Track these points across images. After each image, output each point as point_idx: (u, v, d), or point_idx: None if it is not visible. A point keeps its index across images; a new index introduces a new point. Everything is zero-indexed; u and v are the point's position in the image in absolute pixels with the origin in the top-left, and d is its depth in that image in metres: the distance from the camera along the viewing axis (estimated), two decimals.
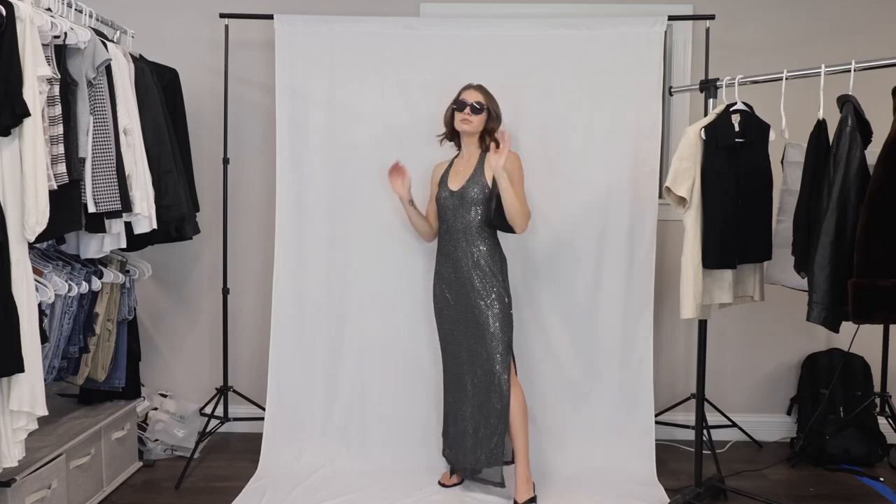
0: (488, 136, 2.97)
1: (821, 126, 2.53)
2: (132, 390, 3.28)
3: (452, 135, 3.06)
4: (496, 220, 2.90)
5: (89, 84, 2.54)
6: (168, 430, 3.47)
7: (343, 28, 3.36)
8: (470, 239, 2.93)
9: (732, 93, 2.81)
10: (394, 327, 3.38)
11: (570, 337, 3.38)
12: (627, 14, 3.50)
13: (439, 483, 3.11)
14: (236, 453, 3.54)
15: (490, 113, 2.96)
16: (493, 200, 2.90)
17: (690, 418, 3.46)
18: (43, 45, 2.29)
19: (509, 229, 2.90)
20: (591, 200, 3.34)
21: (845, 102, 2.41)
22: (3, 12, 2.12)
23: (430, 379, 3.31)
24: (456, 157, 3.09)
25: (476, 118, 2.93)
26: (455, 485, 3.09)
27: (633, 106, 3.31)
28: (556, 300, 3.37)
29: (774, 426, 3.80)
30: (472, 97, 2.94)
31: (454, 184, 2.99)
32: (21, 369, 2.19)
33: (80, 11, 2.75)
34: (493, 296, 2.90)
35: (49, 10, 2.48)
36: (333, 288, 3.40)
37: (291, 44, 3.37)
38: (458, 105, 2.94)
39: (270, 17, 3.38)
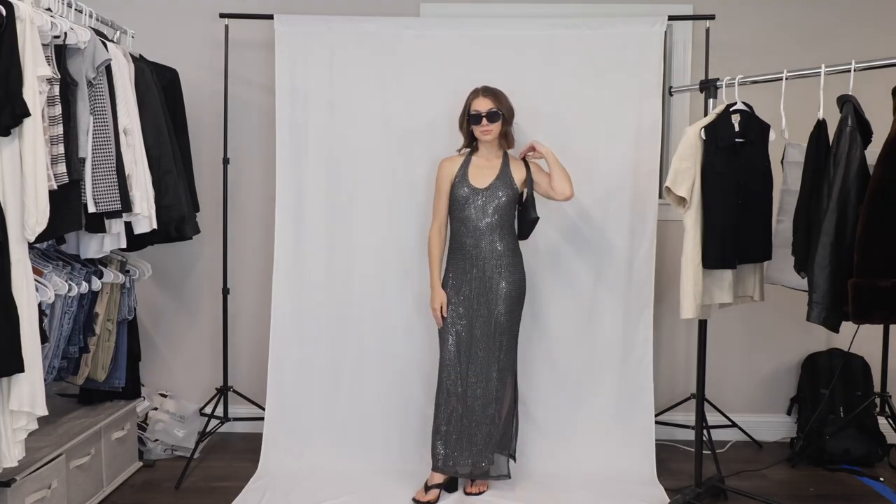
0: (505, 139, 3.05)
1: (821, 126, 2.53)
2: (132, 390, 3.28)
3: (471, 140, 3.06)
4: (520, 226, 3.05)
5: (89, 84, 2.54)
6: (168, 430, 3.47)
7: (343, 28, 3.36)
8: (495, 236, 2.97)
9: (732, 93, 2.81)
10: (394, 327, 3.38)
11: (571, 337, 3.38)
12: (627, 14, 3.50)
13: (414, 500, 3.00)
14: (236, 453, 3.54)
15: (504, 116, 2.99)
16: (525, 203, 3.02)
17: (690, 418, 3.46)
18: (43, 45, 2.29)
19: (526, 233, 3.07)
20: (591, 200, 3.34)
21: (845, 102, 2.41)
22: (3, 12, 2.12)
23: (430, 379, 3.30)
24: (471, 155, 3.07)
25: (494, 126, 2.97)
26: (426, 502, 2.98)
27: (633, 106, 3.31)
28: (556, 300, 3.37)
29: (774, 426, 3.80)
30: (485, 106, 2.95)
31: (479, 181, 3.00)
32: (21, 369, 2.19)
33: (80, 11, 2.75)
34: (512, 292, 2.98)
35: (49, 10, 2.48)
36: (333, 288, 3.39)
37: (291, 44, 3.37)
38: (474, 118, 2.96)
39: (270, 17, 3.38)
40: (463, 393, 2.98)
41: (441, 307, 3.00)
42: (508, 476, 3.06)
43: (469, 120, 2.98)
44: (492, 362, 2.98)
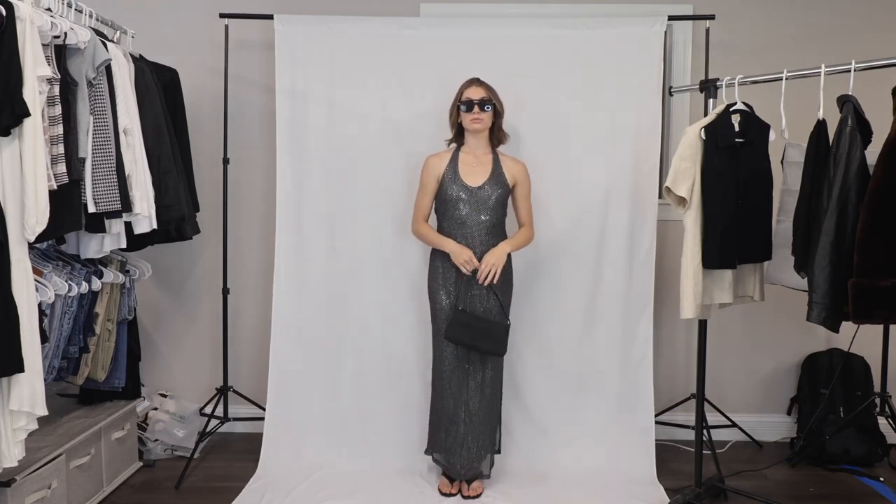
0: (498, 132, 3.05)
1: (821, 126, 2.53)
2: (132, 390, 3.28)
3: (459, 134, 3.07)
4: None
5: (89, 84, 2.54)
6: (168, 430, 3.47)
7: (343, 28, 3.36)
8: (488, 236, 2.97)
9: (732, 93, 2.81)
10: (394, 327, 3.38)
11: (571, 336, 3.37)
12: (627, 14, 3.50)
13: (440, 492, 3.06)
14: (236, 453, 3.54)
15: (496, 108, 3.00)
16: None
17: (690, 418, 3.46)
18: (43, 45, 2.29)
19: None
20: (591, 200, 3.34)
21: (845, 102, 2.42)
22: (3, 12, 2.12)
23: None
24: (458, 151, 3.07)
25: (486, 115, 2.97)
26: (455, 494, 3.03)
27: (633, 106, 3.32)
28: (556, 300, 3.37)
29: (774, 426, 3.80)
30: (478, 94, 2.96)
31: (472, 180, 2.99)
32: (21, 369, 2.19)
33: (80, 11, 2.74)
34: (502, 292, 3.00)
35: (49, 10, 2.48)
36: (333, 287, 3.39)
37: (291, 44, 3.37)
38: (466, 105, 2.96)
39: (270, 17, 3.38)
40: (466, 396, 2.99)
41: (471, 258, 2.91)
42: (489, 475, 3.10)
43: (460, 107, 2.98)
44: (491, 364, 3.01)
